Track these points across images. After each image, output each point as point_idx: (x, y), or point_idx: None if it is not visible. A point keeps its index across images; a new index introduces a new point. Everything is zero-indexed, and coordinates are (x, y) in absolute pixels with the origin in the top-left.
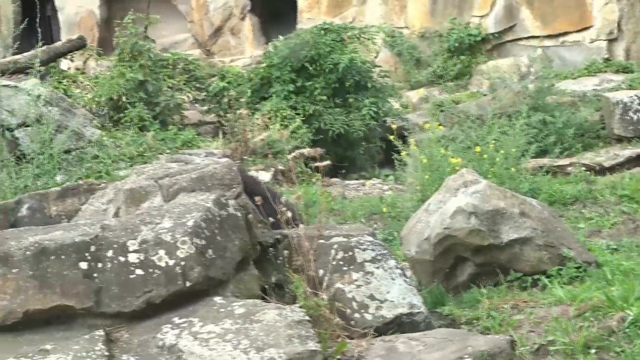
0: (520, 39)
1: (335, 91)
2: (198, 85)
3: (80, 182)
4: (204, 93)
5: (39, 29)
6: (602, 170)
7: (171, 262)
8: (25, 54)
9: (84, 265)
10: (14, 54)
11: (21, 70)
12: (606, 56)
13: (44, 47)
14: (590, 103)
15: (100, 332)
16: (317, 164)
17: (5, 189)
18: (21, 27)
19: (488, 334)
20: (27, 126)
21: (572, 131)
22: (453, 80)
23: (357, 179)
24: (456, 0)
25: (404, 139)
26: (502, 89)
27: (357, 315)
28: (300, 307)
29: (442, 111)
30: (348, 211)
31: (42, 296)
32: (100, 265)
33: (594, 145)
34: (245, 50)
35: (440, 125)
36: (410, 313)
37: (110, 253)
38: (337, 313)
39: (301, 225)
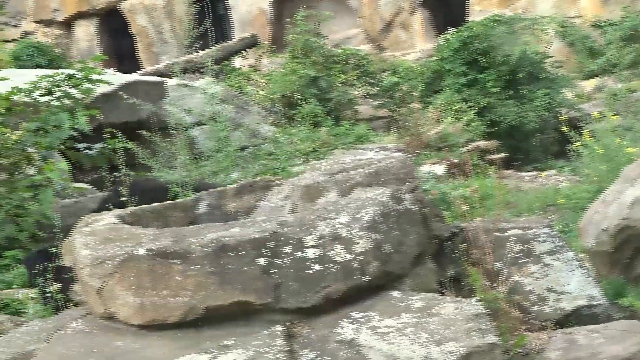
0: None
1: (508, 83)
2: (370, 80)
3: (257, 178)
4: (376, 88)
5: (212, 28)
6: None
7: (349, 257)
8: (199, 52)
9: (262, 261)
10: (188, 53)
11: (195, 69)
12: None
13: (218, 46)
14: None
15: (280, 328)
16: (492, 156)
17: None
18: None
19: None
20: (203, 124)
21: None
22: (627, 68)
23: (531, 171)
24: None
25: (578, 129)
26: None
27: (535, 308)
28: (479, 300)
29: (617, 100)
30: (523, 203)
31: (223, 292)
32: (278, 261)
33: None
34: (416, 44)
35: (615, 114)
36: (589, 305)
37: (287, 249)
38: (516, 306)
39: (478, 218)
